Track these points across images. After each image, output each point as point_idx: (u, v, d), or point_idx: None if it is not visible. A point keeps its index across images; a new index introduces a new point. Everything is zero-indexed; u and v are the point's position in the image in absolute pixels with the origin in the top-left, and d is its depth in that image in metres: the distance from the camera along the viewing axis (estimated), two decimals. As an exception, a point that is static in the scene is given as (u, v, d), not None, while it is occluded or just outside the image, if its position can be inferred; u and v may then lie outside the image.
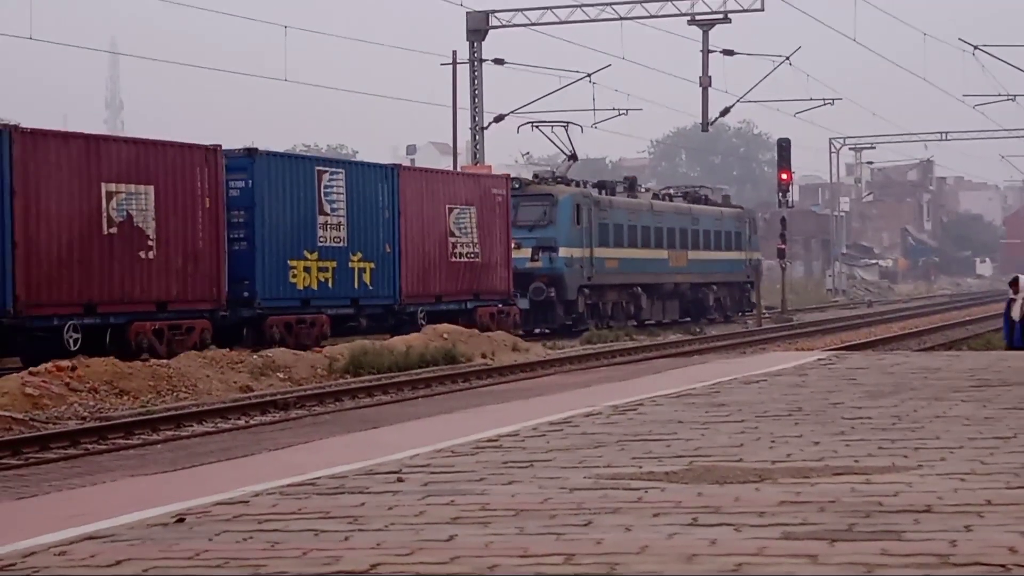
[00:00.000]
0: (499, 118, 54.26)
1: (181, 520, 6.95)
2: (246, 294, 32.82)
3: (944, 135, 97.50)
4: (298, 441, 15.65)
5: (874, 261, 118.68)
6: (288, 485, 8.06)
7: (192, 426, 21.98)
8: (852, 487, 7.28)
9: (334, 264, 35.26)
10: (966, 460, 8.21)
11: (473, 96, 52.54)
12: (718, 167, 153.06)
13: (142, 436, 20.78)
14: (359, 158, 74.70)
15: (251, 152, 33.53)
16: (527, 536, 6.16)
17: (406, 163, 72.46)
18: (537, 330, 44.63)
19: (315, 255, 34.64)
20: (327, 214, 35.00)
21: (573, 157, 49.79)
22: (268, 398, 25.33)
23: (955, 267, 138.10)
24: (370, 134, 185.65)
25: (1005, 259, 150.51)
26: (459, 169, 49.53)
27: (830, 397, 12.48)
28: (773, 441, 9.39)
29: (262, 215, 33.14)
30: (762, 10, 50.14)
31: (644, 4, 51.33)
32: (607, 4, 51.50)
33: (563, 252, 44.80)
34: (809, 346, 37.18)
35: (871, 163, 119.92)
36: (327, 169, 35.71)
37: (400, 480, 8.11)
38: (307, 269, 34.51)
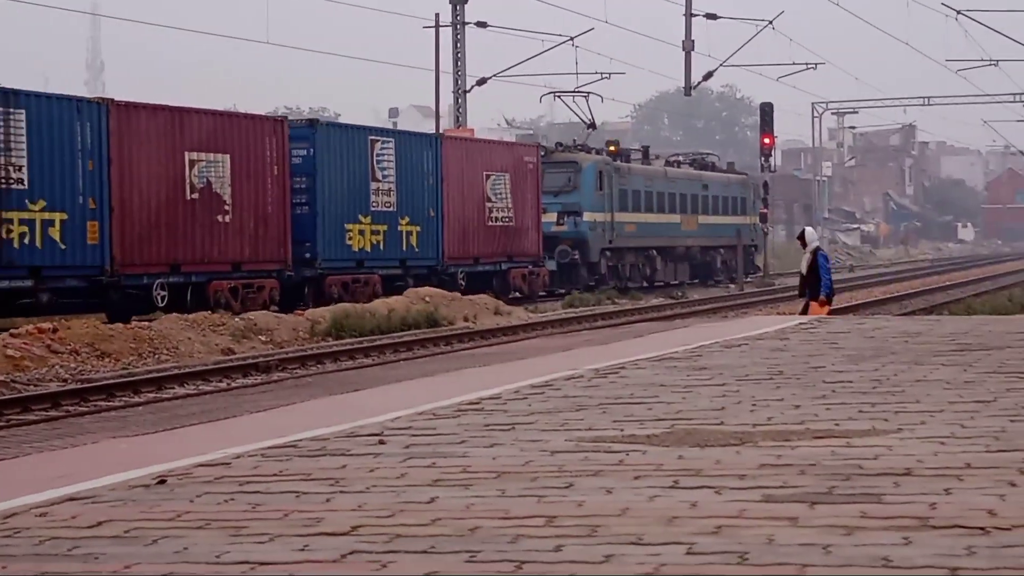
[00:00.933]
0: (481, 81, 54.16)
1: (162, 482, 6.95)
2: (308, 255, 35.40)
3: (927, 100, 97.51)
4: (280, 403, 15.66)
5: (856, 226, 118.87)
6: (270, 447, 8.07)
7: (174, 388, 21.97)
8: (832, 450, 7.30)
9: (385, 227, 38.00)
10: (946, 424, 8.23)
11: (456, 59, 52.43)
12: (701, 131, 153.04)
13: (123, 398, 20.77)
14: (341, 120, 74.47)
15: (312, 123, 36.88)
16: (508, 498, 6.17)
17: (389, 126, 72.19)
18: (562, 291, 46.30)
19: (368, 219, 37.34)
20: (379, 180, 37.66)
21: (592, 126, 51.89)
22: (250, 361, 25.33)
23: (937, 232, 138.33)
24: (352, 96, 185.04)
25: (987, 224, 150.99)
26: (442, 132, 49.57)
27: (811, 361, 12.50)
28: (754, 404, 9.41)
29: (323, 181, 35.72)
30: (745, -26, 50.10)
31: (627, -33, 51.24)
32: (590, -33, 51.38)
33: (587, 217, 47.34)
34: (791, 310, 37.24)
35: (854, 128, 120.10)
36: (379, 138, 38.38)
37: (381, 443, 8.11)
38: (361, 232, 37.17)
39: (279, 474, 7.08)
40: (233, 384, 22.74)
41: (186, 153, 31.66)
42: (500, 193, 42.85)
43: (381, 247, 37.74)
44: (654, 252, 51.94)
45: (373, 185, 37.34)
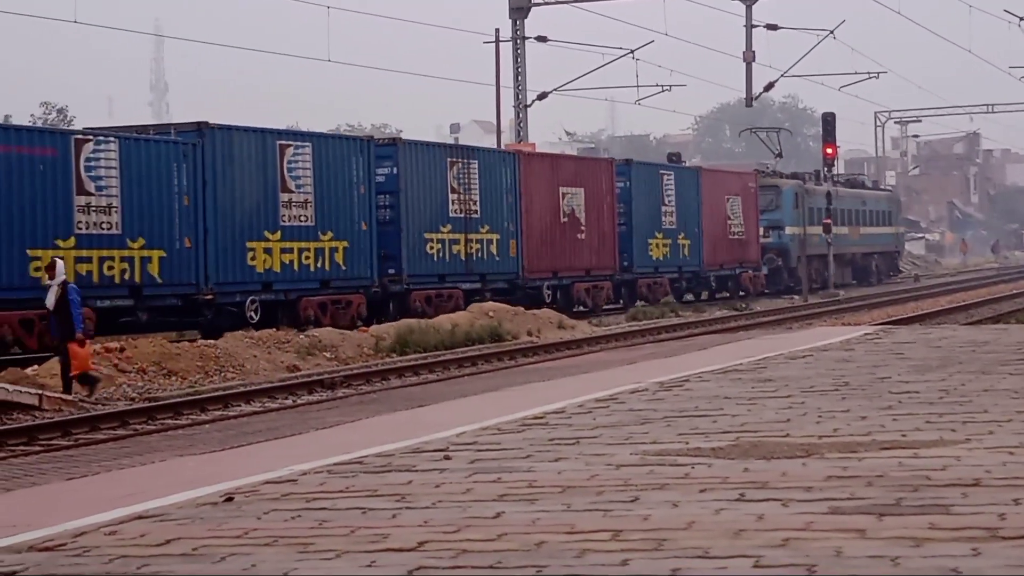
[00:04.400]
0: (542, 96, 54.17)
1: (230, 499, 6.99)
2: (625, 263, 46.19)
3: (990, 107, 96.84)
4: (345, 420, 15.72)
5: (921, 235, 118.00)
6: (335, 463, 8.10)
7: (240, 406, 22.05)
8: (900, 461, 7.26)
9: (670, 241, 49.16)
10: (1014, 433, 8.17)
11: (516, 74, 52.46)
12: (763, 142, 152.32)
13: (190, 416, 20.87)
14: (404, 136, 75.02)
15: (628, 162, 48.46)
16: (574, 513, 6.17)
17: (450, 140, 72.47)
18: (766, 291, 55.68)
19: (661, 235, 48.62)
20: (667, 204, 49.02)
21: (780, 155, 61.75)
22: (315, 377, 25.39)
23: (1003, 240, 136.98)
24: (413, 113, 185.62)
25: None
26: (503, 147, 49.84)
27: (877, 372, 12.44)
28: (820, 416, 9.37)
29: (636, 206, 46.77)
30: (806, -17, 50.02)
31: (687, -21, 51.14)
32: (650, -20, 51.34)
33: (788, 230, 57.48)
34: (855, 321, 37.03)
35: (917, 136, 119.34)
36: (666, 172, 49.99)
37: (447, 458, 8.13)
38: (657, 245, 48.37)
39: (345, 490, 7.11)
40: (299, 401, 22.81)
41: (560, 187, 42.38)
42: (735, 212, 53.43)
43: (668, 256, 48.87)
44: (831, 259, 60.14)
45: (663, 208, 48.50)
